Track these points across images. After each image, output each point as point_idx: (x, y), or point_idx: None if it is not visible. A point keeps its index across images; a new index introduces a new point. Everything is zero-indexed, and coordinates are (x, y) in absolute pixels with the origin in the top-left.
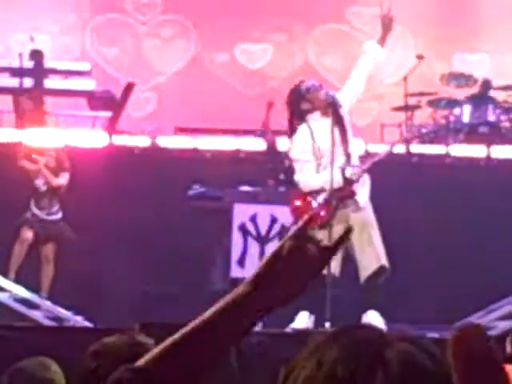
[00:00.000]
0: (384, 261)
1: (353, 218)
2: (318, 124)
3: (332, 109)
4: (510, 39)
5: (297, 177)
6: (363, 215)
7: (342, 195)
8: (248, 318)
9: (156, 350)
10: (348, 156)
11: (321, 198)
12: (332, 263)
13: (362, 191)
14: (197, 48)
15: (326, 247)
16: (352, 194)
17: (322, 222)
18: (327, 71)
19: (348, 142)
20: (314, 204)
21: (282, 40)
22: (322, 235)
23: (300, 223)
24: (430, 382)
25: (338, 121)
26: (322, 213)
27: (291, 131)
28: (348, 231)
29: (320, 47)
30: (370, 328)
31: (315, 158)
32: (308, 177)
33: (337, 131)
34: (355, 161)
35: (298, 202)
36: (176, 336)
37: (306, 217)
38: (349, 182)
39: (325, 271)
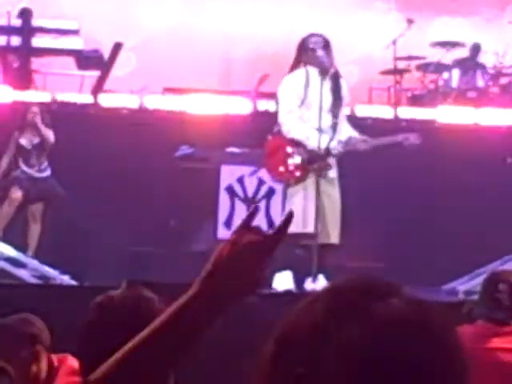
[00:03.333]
0: (334, 239)
1: (326, 186)
2: (316, 78)
3: (331, 75)
4: None
5: (284, 119)
6: (335, 189)
7: (320, 166)
8: (205, 313)
9: (113, 359)
10: (334, 127)
11: (298, 159)
12: (331, 230)
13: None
14: None
15: (270, 236)
16: (328, 168)
17: (295, 181)
18: None
19: (338, 113)
20: (291, 161)
21: None
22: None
23: (245, 217)
24: (414, 341)
25: (335, 88)
26: (298, 173)
27: (289, 72)
28: (289, 217)
29: None
30: (376, 281)
31: (302, 105)
32: (293, 124)
33: (330, 97)
34: (339, 136)
35: (288, 150)
36: (133, 342)
37: (250, 209)
38: (329, 155)
39: (306, 230)
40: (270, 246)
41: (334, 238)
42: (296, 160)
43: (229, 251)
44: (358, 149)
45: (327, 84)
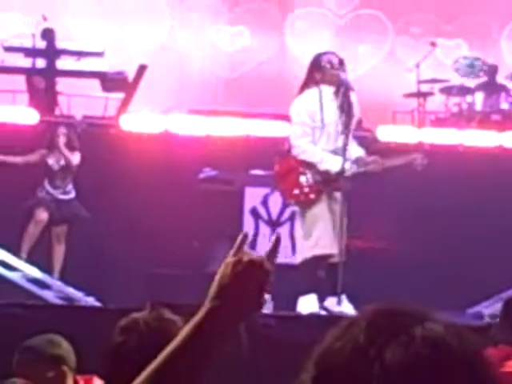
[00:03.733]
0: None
1: (335, 205)
2: (329, 97)
3: (342, 93)
4: None
5: (297, 141)
6: (341, 208)
7: (334, 187)
8: (216, 331)
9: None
10: (345, 147)
11: (312, 181)
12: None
13: None
14: None
15: (266, 256)
16: (340, 188)
17: (307, 202)
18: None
19: (349, 133)
20: (303, 179)
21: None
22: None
23: (237, 243)
24: (455, 366)
25: (346, 107)
26: (312, 196)
27: (299, 93)
28: (278, 240)
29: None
30: (410, 305)
31: (316, 127)
32: (306, 147)
33: (342, 116)
34: (349, 155)
35: (301, 172)
36: (156, 362)
37: (240, 237)
38: (340, 175)
39: (336, 259)
40: (268, 265)
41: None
42: (310, 182)
43: (232, 270)
44: (370, 170)
45: (339, 102)
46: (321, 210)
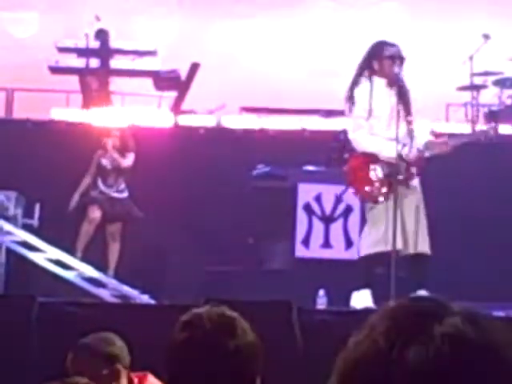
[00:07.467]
0: (422, 248)
1: (406, 195)
2: (381, 88)
3: (397, 86)
4: None
5: (351, 135)
6: (417, 196)
7: (405, 176)
8: None
9: None
10: (411, 134)
11: (380, 173)
12: (418, 240)
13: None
14: None
15: None
16: (413, 177)
17: (384, 198)
18: None
19: (411, 121)
20: (372, 175)
21: None
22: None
23: None
24: (475, 363)
25: (402, 95)
26: (384, 189)
27: (353, 84)
28: None
29: None
30: (428, 301)
31: (370, 117)
32: (362, 139)
33: (399, 105)
34: (415, 144)
35: (368, 168)
36: None
37: None
38: (403, 161)
39: (388, 248)
40: None
41: (423, 247)
42: (379, 176)
43: None
44: (437, 153)
45: (394, 92)
46: (389, 205)
